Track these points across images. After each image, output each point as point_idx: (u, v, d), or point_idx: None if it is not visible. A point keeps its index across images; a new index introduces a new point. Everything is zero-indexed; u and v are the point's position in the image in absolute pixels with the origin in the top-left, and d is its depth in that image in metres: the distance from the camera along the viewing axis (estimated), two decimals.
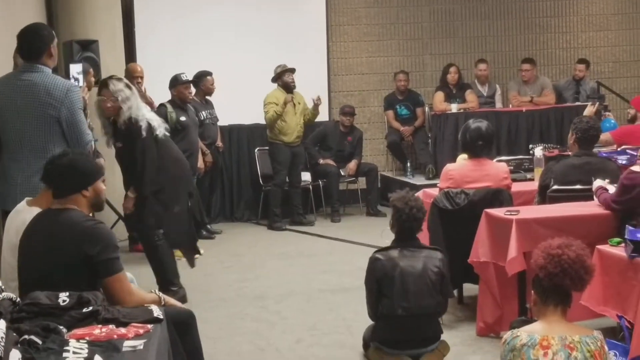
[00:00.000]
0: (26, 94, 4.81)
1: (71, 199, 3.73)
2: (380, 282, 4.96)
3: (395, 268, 4.93)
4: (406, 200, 5.00)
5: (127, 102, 6.27)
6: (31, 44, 4.93)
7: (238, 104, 10.16)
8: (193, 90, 9.03)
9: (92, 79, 7.73)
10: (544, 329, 3.47)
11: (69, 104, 4.81)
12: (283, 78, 10.00)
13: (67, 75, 6.68)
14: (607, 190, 5.35)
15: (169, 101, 8.37)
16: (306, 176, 10.58)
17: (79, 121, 4.88)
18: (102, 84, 6.42)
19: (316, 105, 10.12)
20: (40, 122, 4.81)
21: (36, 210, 3.97)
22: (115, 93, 6.26)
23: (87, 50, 7.98)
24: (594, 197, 5.46)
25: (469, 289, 6.25)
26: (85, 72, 7.41)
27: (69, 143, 4.86)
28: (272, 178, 10.17)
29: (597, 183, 5.50)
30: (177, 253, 8.26)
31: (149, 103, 8.67)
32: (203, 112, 9.29)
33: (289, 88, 9.99)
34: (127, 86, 6.35)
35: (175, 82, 8.39)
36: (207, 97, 9.55)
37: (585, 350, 3.38)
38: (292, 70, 10.03)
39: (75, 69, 6.88)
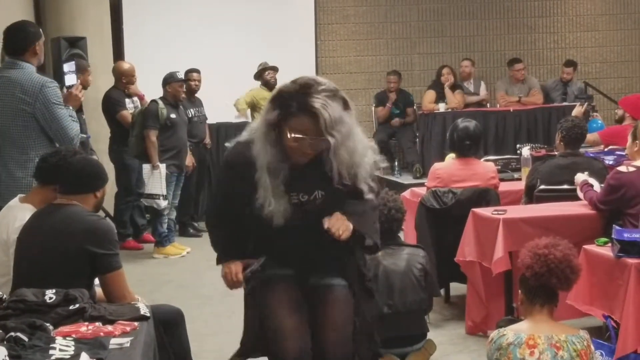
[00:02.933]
0: (3, 90, 4.82)
1: (80, 197, 3.71)
2: None
3: (379, 266, 4.93)
4: (384, 202, 5.01)
5: (345, 134, 3.53)
6: (15, 40, 4.93)
7: (226, 101, 10.14)
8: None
9: (90, 78, 7.72)
10: (530, 328, 3.48)
11: (43, 99, 4.80)
12: (263, 76, 10.06)
13: (56, 74, 6.66)
14: (592, 186, 5.36)
15: (161, 97, 8.35)
16: None
17: (58, 116, 4.85)
18: (304, 107, 3.46)
19: None
20: (17, 118, 4.82)
21: (28, 206, 3.94)
22: (335, 126, 3.48)
23: (75, 47, 7.96)
24: (578, 190, 5.47)
25: (456, 288, 6.26)
26: (82, 70, 7.41)
27: (53, 138, 4.86)
28: None
29: (581, 177, 5.51)
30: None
31: (140, 97, 8.65)
32: (191, 110, 9.24)
33: (269, 86, 10.01)
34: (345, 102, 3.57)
35: (171, 80, 8.37)
36: (196, 95, 9.52)
37: (571, 349, 3.39)
38: (273, 69, 10.07)
39: (67, 67, 6.87)
